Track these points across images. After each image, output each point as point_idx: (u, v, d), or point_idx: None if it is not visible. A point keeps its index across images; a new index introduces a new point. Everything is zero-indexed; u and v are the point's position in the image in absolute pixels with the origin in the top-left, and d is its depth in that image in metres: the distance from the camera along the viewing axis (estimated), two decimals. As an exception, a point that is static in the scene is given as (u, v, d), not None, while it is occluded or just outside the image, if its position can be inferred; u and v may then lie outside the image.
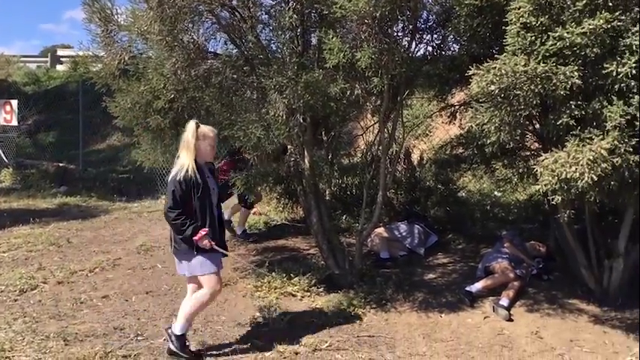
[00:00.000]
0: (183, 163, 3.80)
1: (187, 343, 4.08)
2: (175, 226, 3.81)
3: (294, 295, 5.19)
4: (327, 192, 5.84)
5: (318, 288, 5.29)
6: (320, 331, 4.53)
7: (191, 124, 3.86)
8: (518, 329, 4.57)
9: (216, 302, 5.07)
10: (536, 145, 5.06)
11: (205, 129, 3.92)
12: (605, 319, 4.69)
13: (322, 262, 5.61)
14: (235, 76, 4.71)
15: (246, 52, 4.75)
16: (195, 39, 4.58)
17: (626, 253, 4.77)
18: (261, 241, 6.99)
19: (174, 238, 3.92)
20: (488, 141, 4.04)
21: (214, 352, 4.16)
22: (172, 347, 4.03)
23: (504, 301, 4.88)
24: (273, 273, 5.48)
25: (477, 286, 5.15)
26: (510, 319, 4.73)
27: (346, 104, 4.77)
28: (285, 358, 4.08)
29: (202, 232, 3.80)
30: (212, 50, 5.03)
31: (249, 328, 4.58)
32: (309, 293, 5.22)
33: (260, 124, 4.45)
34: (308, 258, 6.10)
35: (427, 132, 10.58)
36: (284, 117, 4.41)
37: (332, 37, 4.21)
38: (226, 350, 4.18)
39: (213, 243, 3.85)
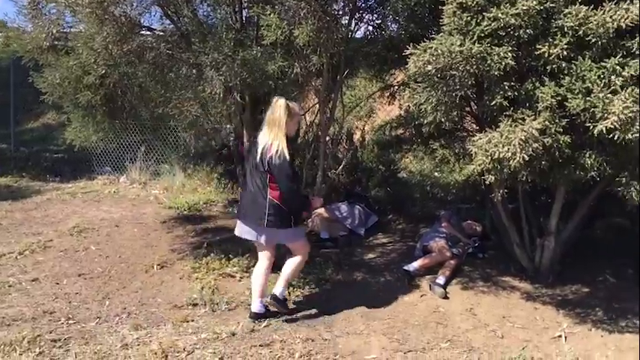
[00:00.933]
0: (279, 141, 4.01)
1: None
2: (299, 199, 4.20)
3: (232, 277, 5.15)
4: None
5: None
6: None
7: (282, 102, 4.04)
8: (454, 306, 4.66)
9: (152, 284, 5.03)
10: (475, 126, 5.13)
11: (295, 106, 4.12)
12: (536, 295, 4.82)
13: None
14: (170, 51, 4.57)
15: (181, 27, 4.61)
16: (127, 12, 4.41)
17: (557, 232, 4.90)
18: (200, 222, 6.90)
19: (274, 211, 4.12)
20: (425, 121, 4.06)
21: (148, 335, 4.07)
22: (276, 309, 4.38)
23: (441, 280, 4.97)
24: (212, 254, 5.42)
25: (414, 265, 5.23)
26: (446, 297, 4.82)
27: (285, 83, 4.70)
28: (221, 339, 4.04)
29: (317, 202, 4.48)
30: (147, 25, 4.87)
31: (186, 310, 4.52)
32: (248, 274, 5.15)
33: (196, 102, 4.34)
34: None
35: (370, 113, 10.67)
36: (221, 95, 4.32)
37: (270, 14, 4.13)
38: (161, 333, 4.10)
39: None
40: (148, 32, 4.76)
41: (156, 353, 3.78)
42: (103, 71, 4.64)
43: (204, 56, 4.21)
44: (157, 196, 8.13)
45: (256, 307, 4.37)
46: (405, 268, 5.21)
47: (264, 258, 4.42)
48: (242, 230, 4.38)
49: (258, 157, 4.11)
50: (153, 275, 5.24)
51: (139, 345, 3.93)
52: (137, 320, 4.31)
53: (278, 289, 4.42)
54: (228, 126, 5.57)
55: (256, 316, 4.34)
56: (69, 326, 4.19)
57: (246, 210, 4.30)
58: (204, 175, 7.93)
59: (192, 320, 4.33)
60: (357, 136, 8.69)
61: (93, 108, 4.84)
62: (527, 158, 3.54)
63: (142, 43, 4.53)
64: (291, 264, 4.44)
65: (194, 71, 4.49)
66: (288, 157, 4.00)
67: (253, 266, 5.12)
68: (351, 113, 10.48)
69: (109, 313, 4.43)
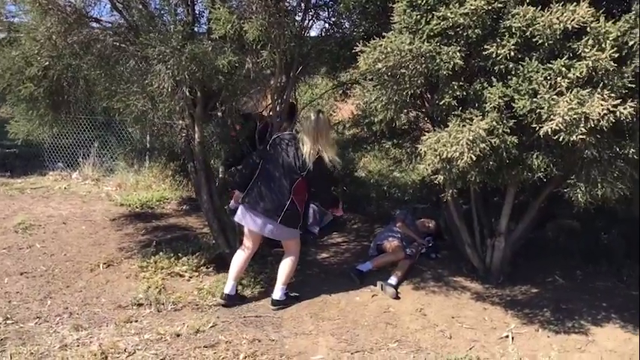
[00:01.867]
0: (328, 153, 4.36)
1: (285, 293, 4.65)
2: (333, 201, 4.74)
3: (181, 276, 5.08)
4: (220, 169, 5.68)
5: (207, 268, 5.20)
6: (205, 312, 4.46)
7: (324, 116, 4.48)
8: (404, 307, 4.66)
9: (96, 284, 4.92)
10: (430, 125, 5.13)
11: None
12: (486, 296, 4.86)
13: (213, 241, 5.49)
14: (118, 44, 4.44)
15: (129, 20, 4.50)
16: (72, 2, 4.28)
17: (507, 233, 4.94)
18: (151, 219, 6.79)
19: (291, 212, 4.42)
20: (376, 119, 4.05)
21: (89, 336, 3.97)
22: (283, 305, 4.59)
23: (392, 280, 4.97)
24: (161, 252, 5.33)
25: (367, 266, 5.21)
26: (397, 297, 4.82)
27: (237, 78, 4.62)
28: (165, 340, 3.96)
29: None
30: (96, 16, 4.74)
31: (131, 310, 4.43)
32: (197, 273, 5.13)
33: (143, 96, 4.23)
34: (199, 237, 5.98)
35: (331, 111, 10.65)
36: (169, 89, 4.22)
37: (219, 7, 4.05)
38: (103, 334, 4.00)
39: None
40: (95, 24, 4.62)
41: (95, 354, 3.68)
42: (47, 63, 4.49)
43: (152, 49, 4.10)
44: (109, 193, 7.96)
45: (229, 288, 4.59)
46: (358, 267, 5.19)
47: (252, 245, 4.64)
48: (246, 218, 4.54)
49: (295, 160, 4.40)
50: (98, 274, 5.12)
51: (78, 346, 3.83)
52: (78, 320, 4.20)
53: (277, 293, 4.63)
54: (180, 122, 5.45)
55: (228, 298, 4.57)
56: (6, 326, 4.06)
57: (263, 202, 4.46)
58: (159, 172, 7.78)
59: (136, 321, 4.25)
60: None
61: (36, 101, 4.68)
62: (474, 158, 3.54)
63: (88, 35, 4.40)
64: (285, 265, 4.64)
65: (142, 64, 4.37)
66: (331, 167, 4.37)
67: (203, 265, 5.19)
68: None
69: (50, 313, 4.30)
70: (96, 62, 4.40)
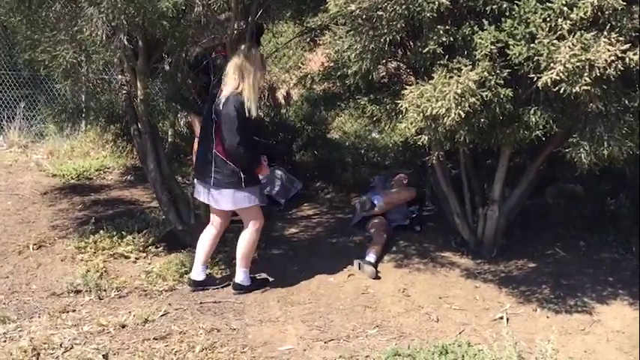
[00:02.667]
0: (244, 90, 4.25)
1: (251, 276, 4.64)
2: (246, 156, 4.30)
3: (126, 257, 5.05)
4: (169, 132, 5.60)
5: (156, 247, 5.19)
6: (155, 299, 4.45)
7: (254, 50, 4.36)
8: (385, 287, 4.69)
9: (26, 268, 4.87)
10: (413, 78, 5.10)
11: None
12: (477, 272, 4.91)
13: (162, 217, 5.45)
14: (40, -18, 4.29)
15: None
16: None
17: (501, 200, 4.96)
18: (90, 192, 6.72)
19: (219, 168, 4.31)
20: (349, 71, 4.02)
21: (18, 329, 3.91)
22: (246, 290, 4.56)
23: (371, 257, 4.98)
24: (102, 231, 5.28)
25: (372, 256, 5.08)
26: (377, 277, 4.84)
27: (185, 24, 4.50)
28: (107, 332, 3.93)
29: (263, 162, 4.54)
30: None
31: (67, 299, 4.39)
32: (145, 254, 5.11)
33: (72, 46, 4.10)
34: (146, 212, 5.92)
35: (299, 64, 10.55)
36: (103, 38, 4.09)
37: (161, -62, 3.91)
38: (34, 327, 3.95)
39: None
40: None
41: (25, 351, 3.63)
42: (-47, 7, 4.32)
43: (81, -11, 3.97)
44: (40, 162, 7.80)
45: (196, 273, 4.60)
46: (368, 259, 5.05)
47: (216, 221, 4.59)
48: (197, 190, 4.57)
49: (216, 104, 4.32)
50: (28, 257, 5.05)
51: (5, 341, 3.79)
52: (5, 312, 4.13)
53: (238, 276, 4.59)
54: (119, 77, 5.33)
55: (195, 284, 4.58)
56: None
57: (198, 165, 4.55)
58: (97, 137, 7.65)
59: (74, 310, 4.21)
60: (281, 92, 8.58)
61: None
62: (463, 115, 3.54)
63: (4, -27, 4.23)
64: (242, 242, 4.54)
65: (70, 8, 4.23)
66: (248, 109, 4.21)
67: (151, 245, 5.18)
68: (278, 64, 10.42)
69: (-30, 304, 4.23)
70: (14, 5, 4.25)
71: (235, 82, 4.26)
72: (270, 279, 4.75)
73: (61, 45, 4.16)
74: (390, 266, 5.03)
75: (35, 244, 5.23)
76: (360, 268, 4.92)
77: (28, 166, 7.67)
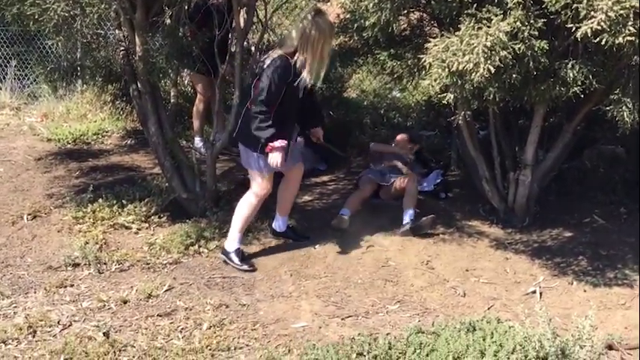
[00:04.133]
0: (300, 58, 4.24)
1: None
2: (262, 127, 4.27)
3: (127, 228, 5.08)
4: (172, 92, 5.57)
5: (160, 217, 5.21)
6: (159, 272, 4.47)
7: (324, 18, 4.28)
8: (407, 259, 4.69)
9: (20, 240, 4.93)
10: (437, 30, 5.04)
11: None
12: (508, 242, 4.91)
13: (166, 184, 5.46)
14: None
15: None
16: None
17: (535, 164, 4.94)
18: (87, 158, 6.74)
19: (244, 123, 4.42)
20: (367, 23, 3.99)
21: (13, 305, 3.94)
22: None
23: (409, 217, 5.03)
24: (101, 199, 5.29)
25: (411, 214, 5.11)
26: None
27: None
28: (108, 308, 3.96)
29: (278, 144, 4.28)
30: None
31: (64, 272, 4.42)
32: (147, 224, 5.13)
33: None
34: (149, 179, 5.94)
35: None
36: None
37: None
38: (30, 303, 3.98)
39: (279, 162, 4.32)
40: None
41: (21, 328, 3.67)
42: None
43: None
44: (33, 125, 7.81)
45: (232, 243, 4.63)
46: (411, 225, 5.05)
47: (251, 186, 4.62)
48: None
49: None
50: (22, 228, 5.09)
51: (-1, 318, 3.81)
52: (-1, 287, 4.16)
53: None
54: (116, 32, 5.30)
55: (224, 252, 4.66)
56: None
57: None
58: (95, 98, 7.64)
59: (72, 285, 4.25)
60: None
61: None
62: (493, 70, 3.52)
63: None
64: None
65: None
66: (305, 82, 4.30)
67: (154, 215, 5.24)
68: (289, 17, 10.29)
69: (-39, 279, 4.28)
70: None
71: (293, 48, 4.26)
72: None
73: None
74: (413, 235, 5.01)
75: (30, 214, 5.26)
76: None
77: (21, 130, 7.69)
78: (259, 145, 4.32)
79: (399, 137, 6.03)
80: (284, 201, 4.83)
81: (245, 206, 4.60)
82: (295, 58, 4.24)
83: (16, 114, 8.33)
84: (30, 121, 8.01)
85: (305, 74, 4.24)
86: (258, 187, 4.54)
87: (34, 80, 8.60)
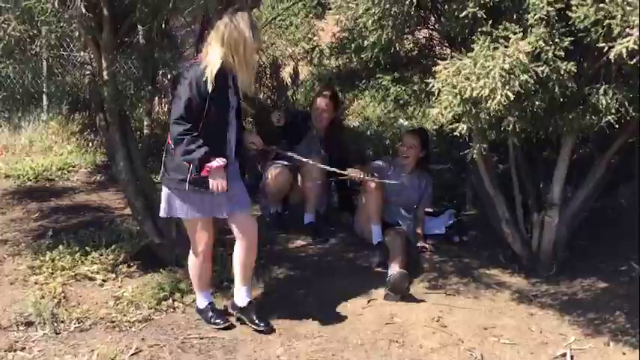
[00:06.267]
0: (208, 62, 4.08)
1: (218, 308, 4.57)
2: (187, 148, 4.04)
3: (91, 279, 4.99)
4: (145, 122, 5.49)
5: (129, 267, 5.14)
6: (126, 332, 4.35)
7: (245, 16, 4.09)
8: (415, 315, 4.61)
9: None
10: (448, 50, 5.05)
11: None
12: (532, 295, 4.85)
13: (137, 228, 5.40)
14: None
15: None
16: None
17: (562, 202, 4.89)
18: (50, 197, 6.74)
19: (167, 158, 4.28)
20: (366, 42, 3.98)
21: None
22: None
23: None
24: (61, 246, 5.24)
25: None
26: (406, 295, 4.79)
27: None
28: (65, 376, 3.82)
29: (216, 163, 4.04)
30: None
31: (15, 333, 4.28)
32: (114, 275, 5.04)
33: (15, 16, 4.07)
34: (118, 222, 5.92)
35: (309, 35, 10.46)
36: (55, 4, 3.99)
37: None
38: (-29, 371, 3.88)
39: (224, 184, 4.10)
40: None
41: (-42, 405, 3.52)
42: None
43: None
44: (-10, 159, 7.78)
45: (199, 301, 4.59)
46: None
47: (191, 239, 4.47)
48: None
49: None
50: (-30, 279, 5.00)
51: None
52: (-64, 351, 4.09)
53: (237, 297, 4.50)
54: (81, 54, 5.23)
55: (199, 312, 4.58)
56: None
57: None
58: (61, 128, 7.61)
59: (24, 348, 4.13)
60: (287, 69, 8.49)
61: None
62: (512, 97, 3.48)
63: None
64: (235, 259, 4.45)
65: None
66: (241, 89, 4.22)
67: (122, 263, 5.22)
68: (282, 36, 10.32)
69: None
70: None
71: (217, 54, 4.08)
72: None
73: (1, 14, 4.12)
74: (422, 287, 4.98)
75: (-22, 265, 5.18)
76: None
77: (-30, 168, 7.66)
78: (187, 172, 4.12)
79: (406, 139, 5.81)
80: (241, 267, 4.42)
81: (191, 267, 4.48)
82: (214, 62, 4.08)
83: (-30, 146, 8.31)
84: (-18, 155, 7.99)
85: (241, 85, 4.18)
86: (193, 240, 4.41)
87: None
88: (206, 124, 4.09)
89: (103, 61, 4.81)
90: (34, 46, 4.56)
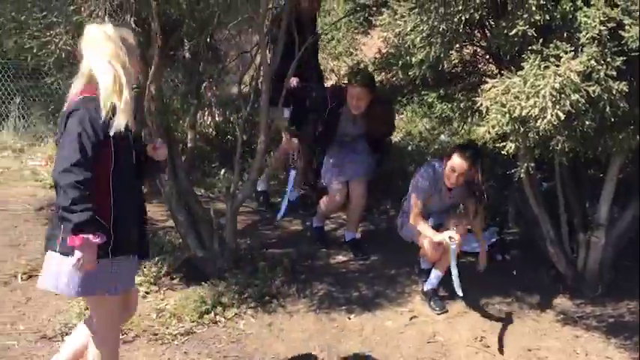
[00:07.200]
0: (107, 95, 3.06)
1: None
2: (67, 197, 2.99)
3: None
4: (189, 135, 5.51)
5: (171, 279, 5.15)
6: (168, 345, 4.38)
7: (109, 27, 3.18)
8: (457, 334, 4.60)
9: (12, 303, 4.84)
10: (494, 68, 5.00)
11: (128, 35, 3.23)
12: (578, 316, 4.79)
13: (180, 241, 5.39)
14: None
15: None
16: None
17: (609, 223, 4.83)
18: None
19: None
20: (414, 60, 3.97)
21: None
22: None
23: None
24: (105, 258, 5.18)
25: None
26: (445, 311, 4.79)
27: (207, 2, 4.48)
28: (106, 388, 3.80)
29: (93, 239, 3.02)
30: None
31: (60, 344, 4.22)
32: (156, 287, 5.04)
33: (66, 30, 4.10)
34: (160, 235, 5.86)
35: (351, 49, 10.48)
36: (105, 19, 4.05)
37: None
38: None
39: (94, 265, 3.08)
40: None
41: (4, 413, 3.55)
42: None
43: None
44: (36, 169, 7.83)
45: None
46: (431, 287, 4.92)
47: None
48: None
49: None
50: (15, 289, 5.02)
51: (-20, 398, 3.74)
52: (-16, 359, 4.13)
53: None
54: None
55: None
56: None
57: None
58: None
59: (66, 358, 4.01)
60: (328, 83, 8.48)
61: None
62: (562, 116, 3.46)
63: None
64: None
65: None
66: (115, 125, 3.04)
67: (165, 276, 5.16)
68: (325, 50, 10.38)
69: (-57, 347, 4.24)
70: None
71: (84, 79, 3.16)
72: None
73: (52, 29, 4.16)
74: (463, 306, 4.92)
75: (25, 273, 5.19)
76: (430, 303, 4.83)
77: (22, 175, 7.70)
78: (59, 233, 3.13)
79: (455, 159, 4.71)
80: None
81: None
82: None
83: (18, 156, 8.36)
84: (33, 164, 8.04)
85: (116, 119, 3.08)
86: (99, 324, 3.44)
87: (39, 120, 8.64)
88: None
89: (149, 75, 4.83)
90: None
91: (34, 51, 4.15)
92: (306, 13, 5.82)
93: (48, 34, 4.11)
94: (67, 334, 4.34)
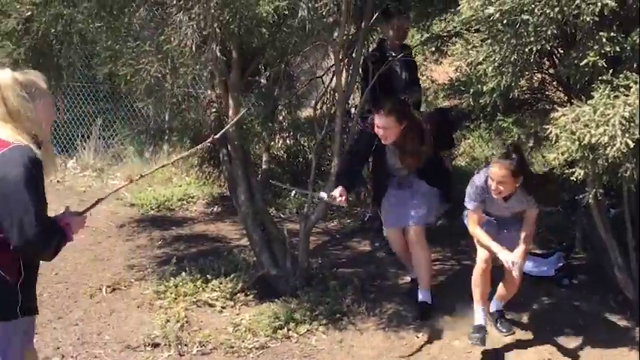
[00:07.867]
0: (18, 147, 2.73)
1: None
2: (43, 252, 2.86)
3: (211, 305, 5.13)
4: (264, 157, 5.67)
5: (246, 295, 5.24)
6: (244, 358, 4.51)
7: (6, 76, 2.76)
8: (524, 355, 4.54)
9: (98, 314, 5.04)
10: (563, 95, 4.99)
11: (36, 79, 2.86)
12: None
13: (254, 259, 5.50)
14: (124, -14, 4.48)
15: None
16: None
17: None
18: (171, 226, 6.89)
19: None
20: (485, 88, 3.97)
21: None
22: None
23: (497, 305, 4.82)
24: (184, 273, 5.38)
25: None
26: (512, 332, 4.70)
27: (287, 31, 4.58)
28: (189, 396, 3.97)
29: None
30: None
31: (143, 353, 4.50)
32: (232, 302, 5.16)
33: (157, 58, 4.25)
34: (235, 252, 5.98)
35: (419, 74, 10.49)
36: (193, 48, 4.21)
37: None
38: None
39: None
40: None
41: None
42: (29, 13, 4.55)
43: (170, -8, 4.13)
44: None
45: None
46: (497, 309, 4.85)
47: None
48: None
49: None
50: (100, 302, 5.20)
51: (71, 402, 3.88)
52: (73, 365, 4.26)
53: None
54: (208, 93, 5.47)
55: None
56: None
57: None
58: (181, 162, 7.83)
59: None
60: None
61: (16, 64, 4.76)
62: (632, 144, 3.41)
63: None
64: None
65: (156, 13, 4.38)
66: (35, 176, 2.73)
67: (240, 292, 5.25)
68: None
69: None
70: (94, 11, 4.43)
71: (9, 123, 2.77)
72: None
73: (145, 57, 4.31)
74: (531, 329, 4.86)
75: (109, 287, 5.39)
76: (497, 326, 4.73)
77: (105, 193, 7.88)
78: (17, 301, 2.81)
79: (494, 170, 4.39)
80: None
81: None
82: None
83: (98, 175, 8.60)
84: (113, 184, 8.23)
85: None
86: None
87: (120, 141, 8.86)
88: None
89: (230, 100, 5.00)
90: (167, 85, 4.83)
91: (128, 77, 4.32)
92: (393, 42, 5.71)
93: (141, 61, 4.28)
94: (149, 345, 4.55)
